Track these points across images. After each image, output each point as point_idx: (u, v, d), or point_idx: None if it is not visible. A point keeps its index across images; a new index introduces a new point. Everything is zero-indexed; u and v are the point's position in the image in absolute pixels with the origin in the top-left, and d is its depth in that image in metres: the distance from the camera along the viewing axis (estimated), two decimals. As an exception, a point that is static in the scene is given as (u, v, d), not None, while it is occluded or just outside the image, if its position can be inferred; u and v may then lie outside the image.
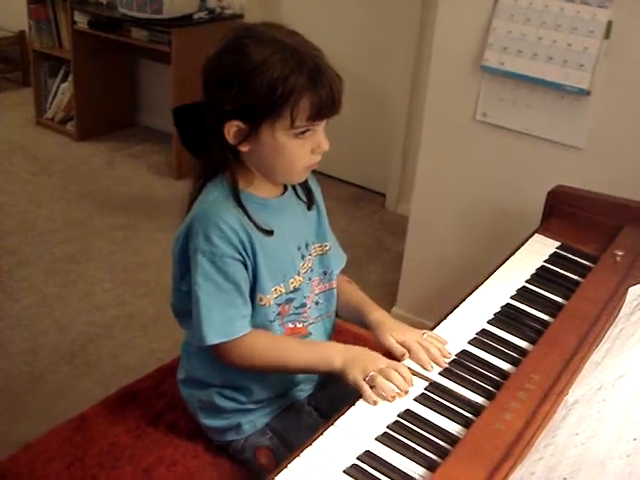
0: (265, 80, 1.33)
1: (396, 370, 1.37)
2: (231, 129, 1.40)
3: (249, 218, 1.43)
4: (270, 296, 1.49)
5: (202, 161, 1.51)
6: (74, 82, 4.71)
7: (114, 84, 4.91)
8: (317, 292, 1.62)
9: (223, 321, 1.43)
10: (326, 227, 1.65)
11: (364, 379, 1.35)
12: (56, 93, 4.93)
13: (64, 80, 4.87)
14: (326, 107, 1.38)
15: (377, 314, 1.59)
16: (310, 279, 1.59)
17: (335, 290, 1.66)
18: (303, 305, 1.57)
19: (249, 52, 1.35)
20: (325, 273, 1.63)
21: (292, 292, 1.54)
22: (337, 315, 1.70)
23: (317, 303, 1.62)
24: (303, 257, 1.57)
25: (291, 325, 1.56)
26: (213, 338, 1.43)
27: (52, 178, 4.33)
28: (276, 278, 1.50)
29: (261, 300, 1.48)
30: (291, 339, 1.54)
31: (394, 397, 1.32)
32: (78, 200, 4.07)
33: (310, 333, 1.60)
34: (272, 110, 1.35)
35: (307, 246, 1.58)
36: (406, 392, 1.34)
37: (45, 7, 4.78)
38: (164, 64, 4.42)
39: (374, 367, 1.36)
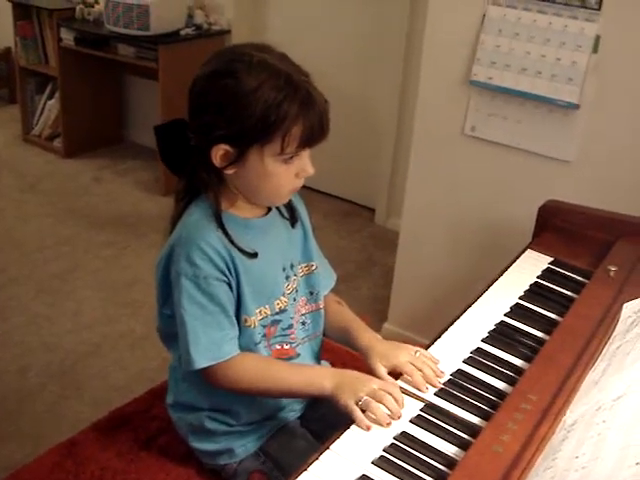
0: (258, 107, 1.32)
1: (388, 392, 1.34)
2: (218, 152, 1.38)
3: (231, 242, 1.42)
4: (255, 318, 1.48)
5: (184, 180, 1.49)
6: (61, 99, 4.68)
7: (101, 101, 4.89)
8: (304, 312, 1.60)
9: (210, 344, 1.41)
10: (312, 246, 1.63)
11: (356, 403, 1.32)
12: (43, 110, 4.91)
13: (51, 97, 4.85)
14: (316, 134, 1.38)
15: (366, 339, 1.55)
16: (295, 299, 1.57)
17: (322, 310, 1.64)
18: (290, 326, 1.55)
19: (241, 77, 1.33)
20: (312, 293, 1.62)
21: (278, 313, 1.52)
22: (324, 335, 1.68)
23: (304, 324, 1.60)
24: (288, 278, 1.55)
25: (278, 347, 1.54)
26: (201, 362, 1.41)
27: (39, 195, 4.30)
28: (260, 300, 1.49)
29: (246, 322, 1.46)
30: (280, 362, 1.52)
31: (389, 424, 1.30)
32: (66, 217, 4.05)
33: (299, 354, 1.58)
34: (263, 136, 1.34)
35: (292, 266, 1.56)
36: (399, 417, 1.31)
37: (31, 24, 4.77)
38: (151, 80, 4.41)
39: (366, 390, 1.34)
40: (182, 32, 4.20)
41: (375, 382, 1.37)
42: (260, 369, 1.46)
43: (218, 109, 1.36)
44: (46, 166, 4.71)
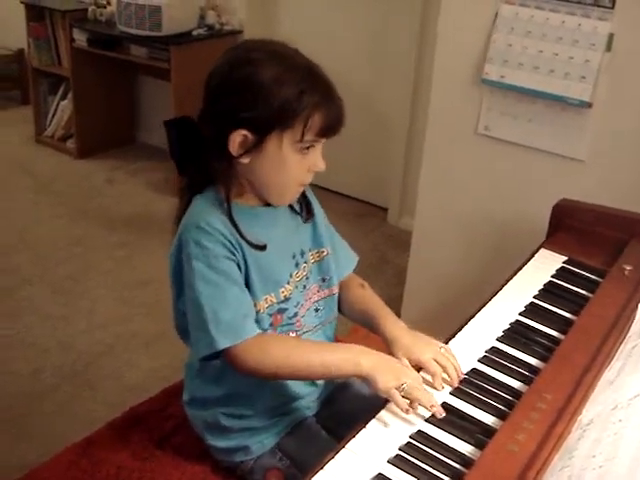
0: (282, 92, 1.34)
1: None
2: (237, 138, 1.38)
3: (239, 233, 1.41)
4: (262, 304, 1.47)
5: (187, 177, 1.50)
6: (73, 99, 4.70)
7: (113, 101, 4.90)
8: (316, 299, 1.60)
9: (231, 322, 1.37)
10: (322, 232, 1.62)
11: (397, 388, 1.32)
12: (56, 111, 4.92)
13: (64, 98, 4.86)
14: (335, 125, 1.40)
15: (392, 328, 1.54)
16: (305, 287, 1.56)
17: (336, 296, 1.64)
18: (295, 314, 1.54)
19: (262, 65, 1.35)
20: (324, 279, 1.61)
21: (283, 302, 1.51)
22: (343, 314, 1.68)
23: (317, 310, 1.60)
24: (297, 265, 1.54)
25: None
26: (224, 342, 1.36)
27: (52, 196, 4.32)
28: (267, 288, 1.48)
29: (256, 306, 1.45)
30: (309, 340, 1.52)
31: (433, 406, 1.31)
32: (78, 218, 4.06)
33: None
34: (285, 121, 1.35)
35: (303, 254, 1.56)
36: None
37: (44, 25, 4.78)
38: (163, 81, 4.42)
39: (410, 377, 1.34)
40: (194, 32, 4.21)
41: (414, 373, 1.38)
42: (289, 346, 1.42)
43: (240, 94, 1.36)
44: (59, 167, 4.72)
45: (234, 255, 1.41)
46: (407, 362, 1.45)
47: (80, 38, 4.50)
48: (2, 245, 3.72)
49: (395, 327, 1.54)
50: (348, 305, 1.67)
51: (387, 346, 1.51)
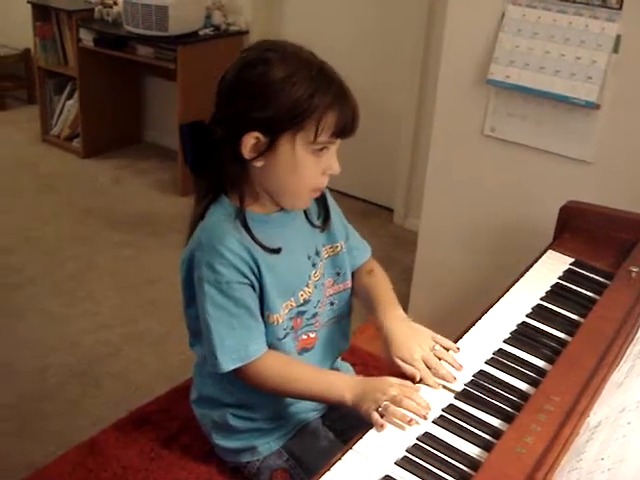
0: (293, 92, 1.33)
1: (408, 397, 1.33)
2: (249, 141, 1.37)
3: (254, 239, 1.41)
4: (280, 314, 1.47)
5: (204, 180, 1.48)
6: (80, 99, 4.70)
7: (120, 101, 4.91)
8: (332, 293, 1.60)
9: (237, 346, 1.41)
10: (336, 229, 1.61)
11: (377, 409, 1.31)
12: (62, 110, 4.93)
13: (70, 97, 4.87)
14: (349, 126, 1.39)
15: (387, 323, 1.52)
16: (323, 284, 1.56)
17: (350, 290, 1.64)
18: (314, 315, 1.55)
19: (275, 65, 1.34)
20: (338, 274, 1.61)
21: (302, 305, 1.52)
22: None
23: (332, 304, 1.60)
24: (314, 265, 1.54)
25: (304, 337, 1.55)
26: (228, 365, 1.41)
27: (58, 195, 4.32)
28: (286, 294, 1.48)
29: (269, 318, 1.46)
30: (303, 367, 1.50)
31: (411, 420, 1.29)
32: (84, 217, 4.06)
33: (317, 338, 1.58)
34: (297, 122, 1.34)
35: (318, 253, 1.56)
36: (424, 417, 1.31)
37: (50, 25, 4.79)
38: (170, 81, 4.42)
39: (385, 397, 1.32)
40: (200, 33, 4.21)
41: (395, 388, 1.35)
42: (282, 372, 1.45)
43: (251, 95, 1.35)
44: (65, 166, 4.73)
45: (247, 278, 1.41)
46: (401, 363, 1.44)
47: (86, 38, 4.51)
48: (7, 244, 3.73)
49: (391, 321, 1.53)
50: (357, 290, 1.67)
51: (383, 343, 1.50)
